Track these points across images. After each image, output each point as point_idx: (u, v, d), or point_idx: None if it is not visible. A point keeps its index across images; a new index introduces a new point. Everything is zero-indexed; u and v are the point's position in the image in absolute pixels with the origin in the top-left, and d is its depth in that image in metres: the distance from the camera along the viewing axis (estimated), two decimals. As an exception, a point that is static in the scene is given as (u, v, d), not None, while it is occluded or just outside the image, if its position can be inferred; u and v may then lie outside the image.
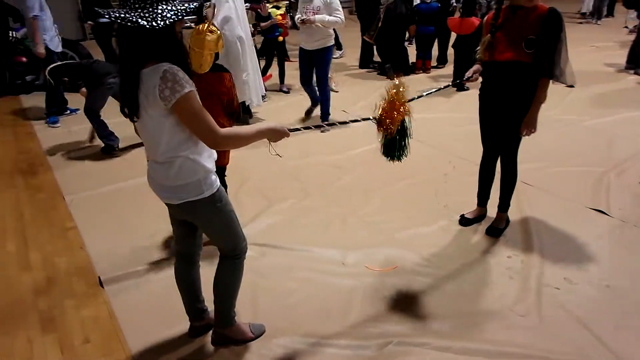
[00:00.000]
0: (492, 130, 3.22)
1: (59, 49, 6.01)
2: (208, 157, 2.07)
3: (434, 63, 8.14)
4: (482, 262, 3.05)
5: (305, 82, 5.59)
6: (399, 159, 2.63)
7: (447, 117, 5.66)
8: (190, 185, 2.02)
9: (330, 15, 5.08)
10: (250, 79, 5.19)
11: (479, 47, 3.09)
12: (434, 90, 3.18)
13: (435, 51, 8.08)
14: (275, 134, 2.15)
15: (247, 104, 5.37)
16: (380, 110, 2.49)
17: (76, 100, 6.59)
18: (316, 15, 5.07)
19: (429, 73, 7.87)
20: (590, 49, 9.07)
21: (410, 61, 7.89)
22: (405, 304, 2.72)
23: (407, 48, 8.00)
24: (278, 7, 6.93)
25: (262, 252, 3.21)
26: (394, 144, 2.58)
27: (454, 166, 4.38)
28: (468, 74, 3.13)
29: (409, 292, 2.81)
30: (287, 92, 7.03)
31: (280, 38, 6.98)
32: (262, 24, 6.73)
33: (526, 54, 2.86)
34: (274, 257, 3.18)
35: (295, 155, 4.62)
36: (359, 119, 2.59)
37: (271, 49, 7.11)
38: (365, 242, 3.30)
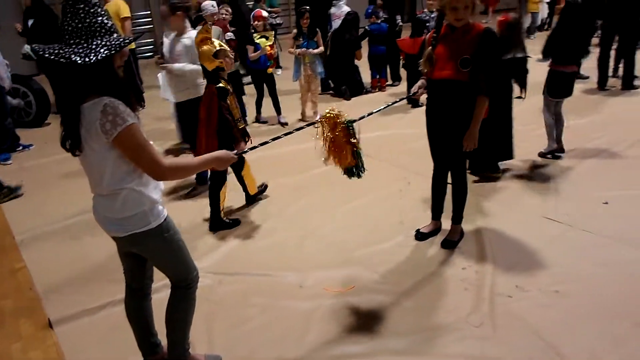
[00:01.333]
0: (438, 146, 3.30)
1: (9, 84, 5.89)
2: (154, 189, 2.05)
3: (389, 81, 8.31)
4: (438, 275, 3.09)
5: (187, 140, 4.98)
6: (358, 175, 2.76)
7: (402, 134, 5.75)
8: (137, 217, 1.99)
9: (193, 63, 4.31)
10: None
11: (422, 59, 3.17)
12: (382, 107, 3.24)
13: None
14: (220, 162, 2.15)
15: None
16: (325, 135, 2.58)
17: (30, 136, 6.46)
18: (175, 64, 4.47)
19: (384, 91, 8.01)
20: (533, 62, 9.42)
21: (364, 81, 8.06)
22: (364, 323, 2.72)
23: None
24: (266, 37, 6.33)
25: (218, 280, 3.17)
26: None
27: (409, 182, 4.45)
28: (413, 89, 3.21)
29: (368, 311, 2.82)
30: (286, 124, 6.52)
31: (270, 69, 6.43)
32: (251, 55, 6.23)
33: (462, 72, 2.96)
34: (231, 284, 3.14)
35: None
36: (304, 126, 2.69)
37: (260, 81, 6.54)
38: (323, 263, 3.30)
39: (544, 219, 3.67)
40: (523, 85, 4.33)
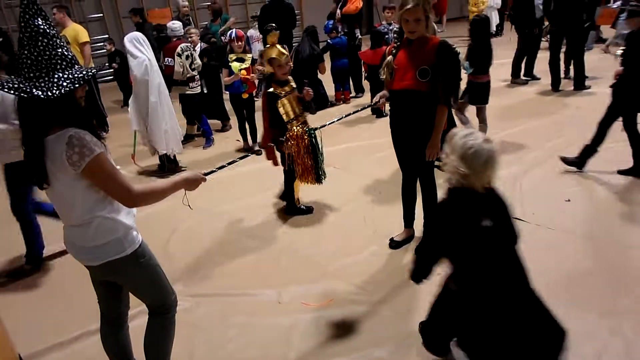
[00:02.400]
0: (405, 154, 3.37)
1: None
2: (127, 214, 2.03)
3: (352, 94, 8.42)
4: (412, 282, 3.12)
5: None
6: (319, 181, 3.20)
7: (370, 144, 5.83)
8: (111, 244, 1.97)
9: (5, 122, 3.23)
10: (169, 127, 5.13)
11: (382, 69, 3.25)
12: (344, 115, 3.32)
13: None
14: (191, 183, 2.15)
15: (168, 153, 5.28)
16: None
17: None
18: None
19: (349, 103, 8.12)
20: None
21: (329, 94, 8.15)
22: (345, 335, 2.74)
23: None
24: (242, 60, 5.77)
25: (196, 303, 3.13)
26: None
27: (380, 192, 4.50)
28: (375, 99, 3.28)
29: (347, 323, 2.83)
30: (260, 153, 5.77)
31: (245, 95, 5.83)
32: (225, 79, 5.84)
33: (421, 83, 3.04)
34: (209, 306, 3.11)
35: (226, 199, 4.59)
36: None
37: (238, 107, 5.99)
38: (299, 278, 3.30)
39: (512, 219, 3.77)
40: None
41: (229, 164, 2.49)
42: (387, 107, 3.40)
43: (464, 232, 1.94)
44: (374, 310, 2.91)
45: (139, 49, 4.81)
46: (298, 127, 3.61)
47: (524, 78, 8.17)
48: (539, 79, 8.10)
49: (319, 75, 7.76)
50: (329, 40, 8.02)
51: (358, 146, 5.83)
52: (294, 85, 4.00)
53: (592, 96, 6.91)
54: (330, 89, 8.06)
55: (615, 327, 2.62)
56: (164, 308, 2.23)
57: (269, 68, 3.91)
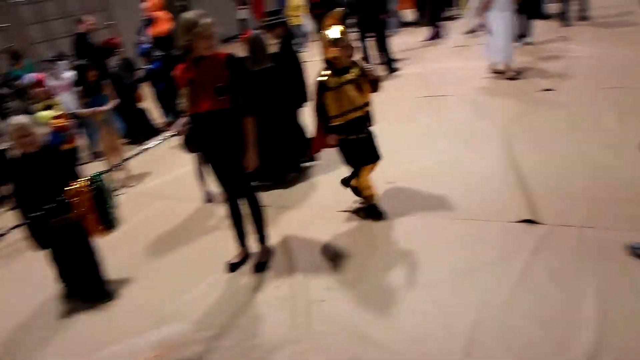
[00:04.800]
0: (222, 175, 3.27)
1: None
2: None
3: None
4: (252, 303, 3.05)
5: None
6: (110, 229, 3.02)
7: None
8: None
9: None
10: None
11: (182, 101, 3.11)
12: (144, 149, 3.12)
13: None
14: None
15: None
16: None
17: None
18: None
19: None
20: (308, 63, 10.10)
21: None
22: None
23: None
24: (49, 107, 4.97)
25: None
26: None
27: (216, 215, 4.35)
28: (175, 128, 3.13)
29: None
30: None
31: (67, 146, 5.00)
32: None
33: (221, 101, 2.96)
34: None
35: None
36: None
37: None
38: (136, 328, 3.02)
39: (340, 213, 3.88)
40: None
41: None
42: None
43: None
44: (214, 345, 2.75)
45: None
46: (80, 182, 3.01)
47: None
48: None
49: (142, 104, 7.39)
50: (147, 66, 7.65)
51: (182, 173, 5.35)
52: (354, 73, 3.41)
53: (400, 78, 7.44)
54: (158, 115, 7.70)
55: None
56: None
57: (332, 52, 3.37)
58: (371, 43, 7.85)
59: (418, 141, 4.98)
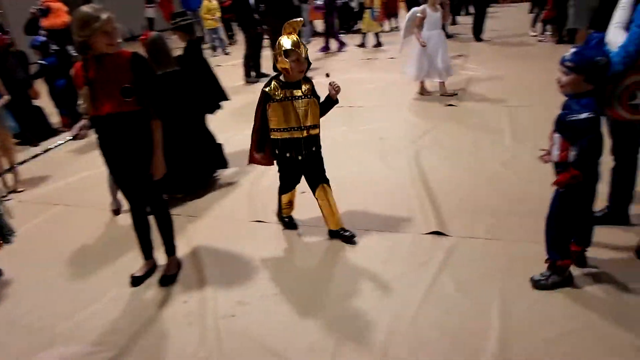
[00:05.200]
0: (127, 183, 3.06)
1: None
2: None
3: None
4: (158, 319, 2.86)
5: None
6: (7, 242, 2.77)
7: (101, 172, 5.25)
8: None
9: None
10: None
11: (81, 102, 2.87)
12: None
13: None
14: None
15: None
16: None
17: None
18: None
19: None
20: (222, 68, 9.98)
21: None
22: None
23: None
24: None
25: None
26: None
27: (119, 223, 4.07)
28: (73, 132, 2.89)
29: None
30: None
31: None
32: None
33: (127, 102, 2.77)
34: None
35: None
36: None
37: None
38: (23, 351, 2.72)
39: (256, 223, 3.79)
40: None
41: None
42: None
43: None
44: (116, 366, 2.56)
45: None
46: None
47: (254, 77, 8.53)
48: (268, 75, 8.52)
49: (38, 102, 6.79)
50: (41, 61, 7.06)
51: (89, 176, 5.08)
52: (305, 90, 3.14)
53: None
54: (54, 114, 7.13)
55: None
56: None
57: (283, 63, 3.04)
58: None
59: (330, 151, 4.98)
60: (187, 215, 3.98)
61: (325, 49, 10.38)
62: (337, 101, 3.25)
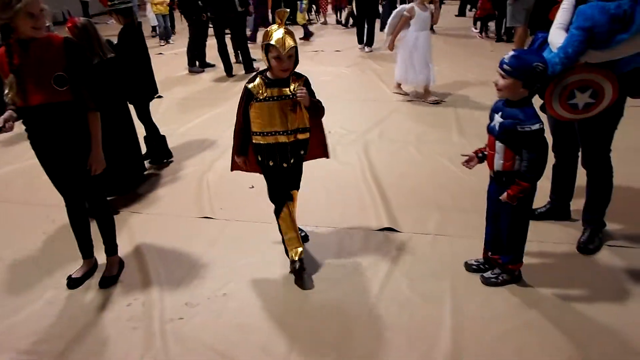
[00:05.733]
0: (62, 178, 2.84)
1: None
2: None
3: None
4: (99, 323, 2.68)
5: None
6: None
7: (31, 165, 4.91)
8: None
9: None
10: None
11: (7, 92, 2.62)
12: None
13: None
14: None
15: None
16: None
17: None
18: None
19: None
20: (164, 57, 9.66)
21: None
22: None
23: None
24: None
25: None
26: None
27: (53, 219, 3.78)
28: (-1, 124, 2.62)
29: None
30: None
31: None
32: None
33: (60, 92, 2.57)
34: None
35: None
36: None
37: None
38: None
39: (203, 220, 3.65)
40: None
41: None
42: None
43: None
44: (52, 375, 2.38)
45: None
46: None
47: (197, 67, 8.32)
48: (213, 65, 8.33)
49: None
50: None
51: (17, 169, 4.80)
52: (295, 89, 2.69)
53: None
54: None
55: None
56: None
57: (264, 57, 2.66)
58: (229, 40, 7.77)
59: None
60: (130, 212, 3.78)
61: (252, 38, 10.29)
62: (316, 103, 2.78)
